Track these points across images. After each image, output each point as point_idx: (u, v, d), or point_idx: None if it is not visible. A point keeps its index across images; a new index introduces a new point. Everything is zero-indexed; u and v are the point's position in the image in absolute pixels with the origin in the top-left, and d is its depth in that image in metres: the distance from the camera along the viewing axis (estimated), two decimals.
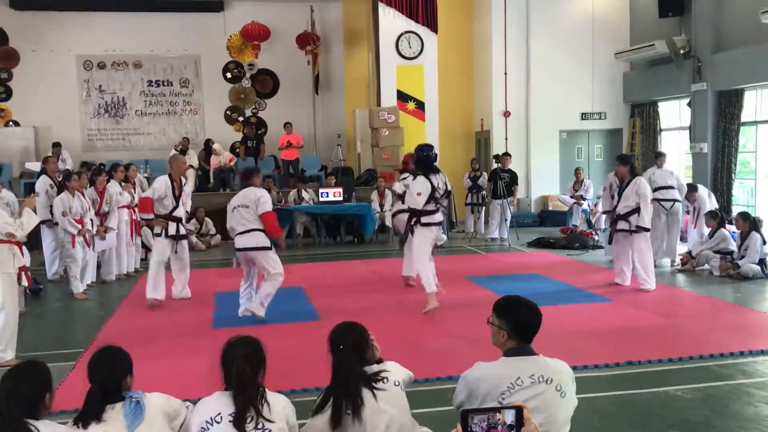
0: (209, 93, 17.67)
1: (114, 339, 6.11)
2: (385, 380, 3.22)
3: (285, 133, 15.79)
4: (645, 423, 4.58)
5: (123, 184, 10.52)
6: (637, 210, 8.52)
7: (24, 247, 6.95)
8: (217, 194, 14.88)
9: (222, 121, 17.75)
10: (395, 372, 3.33)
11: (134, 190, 11.02)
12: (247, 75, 17.85)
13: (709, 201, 10.98)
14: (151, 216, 8.27)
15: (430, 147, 7.96)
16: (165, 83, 17.55)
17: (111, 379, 2.96)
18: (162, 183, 8.21)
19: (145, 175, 14.77)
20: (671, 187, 10.40)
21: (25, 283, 6.58)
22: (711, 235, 9.95)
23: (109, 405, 2.91)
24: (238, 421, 2.91)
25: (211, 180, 15.45)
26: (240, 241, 7.34)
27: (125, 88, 17.37)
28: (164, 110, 17.58)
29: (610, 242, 9.19)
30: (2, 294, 6.13)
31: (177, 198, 8.27)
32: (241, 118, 17.83)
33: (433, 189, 7.55)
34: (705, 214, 10.35)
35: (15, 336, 6.27)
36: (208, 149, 16.08)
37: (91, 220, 9.50)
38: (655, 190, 9.74)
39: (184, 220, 8.58)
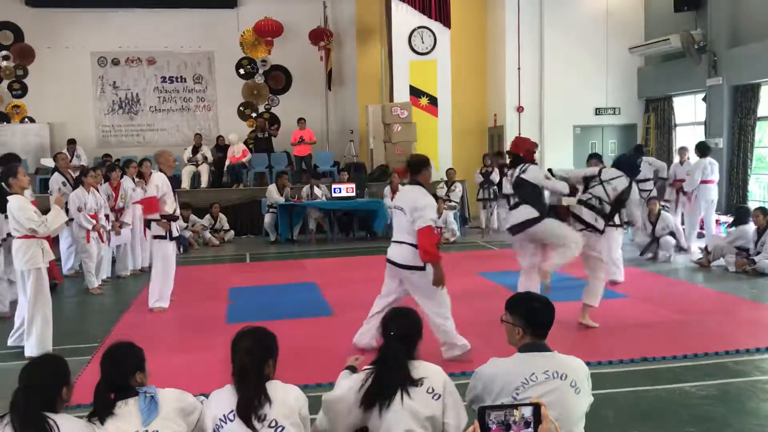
0: (222, 89, 17.72)
1: (129, 334, 6.16)
2: (420, 383, 3.10)
3: (298, 129, 15.82)
4: (660, 419, 4.55)
5: (136, 179, 10.57)
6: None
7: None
8: (230, 190, 14.95)
9: (235, 117, 17.79)
10: (434, 379, 3.15)
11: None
12: (260, 71, 17.87)
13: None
14: (158, 216, 7.71)
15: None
16: (179, 79, 17.61)
17: (119, 375, 2.96)
18: (163, 180, 7.71)
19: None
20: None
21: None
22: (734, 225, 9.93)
23: (121, 400, 2.92)
24: (241, 412, 2.87)
25: (225, 176, 15.50)
26: (389, 251, 5.82)
27: (139, 84, 17.45)
28: (178, 106, 17.65)
29: None
30: (32, 289, 6.14)
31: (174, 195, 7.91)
32: (254, 114, 17.87)
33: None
34: (738, 208, 10.19)
35: (48, 332, 6.23)
36: (219, 146, 16.16)
37: (106, 215, 9.57)
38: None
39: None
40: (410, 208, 5.48)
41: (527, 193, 6.48)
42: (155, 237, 7.81)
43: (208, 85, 17.72)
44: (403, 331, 3.22)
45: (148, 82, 17.48)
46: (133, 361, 3.03)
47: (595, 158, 9.05)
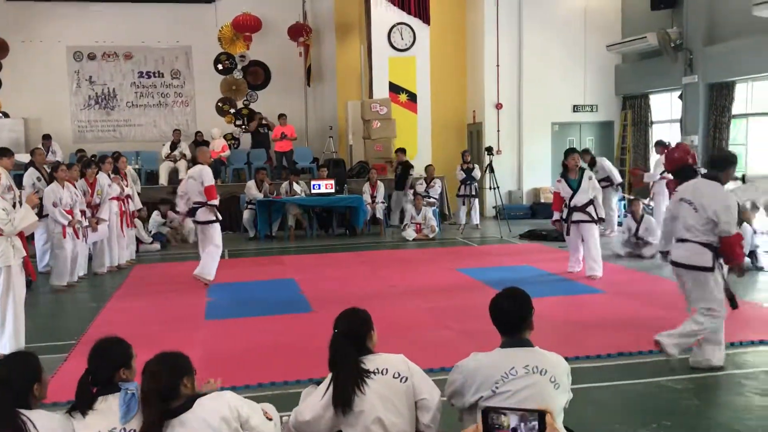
0: (200, 85, 17.56)
1: (106, 330, 6.07)
2: (384, 372, 3.15)
3: (279, 125, 15.74)
4: (639, 413, 4.59)
5: (111, 175, 10.45)
6: (591, 202, 8.92)
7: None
8: None
9: (213, 113, 17.65)
10: (397, 365, 3.21)
11: (126, 181, 10.96)
12: (239, 66, 17.75)
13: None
14: (217, 202, 8.80)
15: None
16: (156, 75, 17.43)
17: (102, 370, 2.94)
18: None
19: (136, 166, 14.69)
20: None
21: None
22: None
23: (102, 396, 2.89)
24: None
25: None
26: (675, 252, 5.44)
27: (116, 79, 17.25)
28: (155, 102, 17.47)
29: (568, 233, 9.16)
30: (3, 286, 6.00)
31: None
32: (232, 110, 17.75)
33: None
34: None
35: (21, 329, 6.13)
36: (197, 142, 16.00)
37: (82, 211, 9.45)
38: None
39: None
40: (713, 208, 5.12)
41: None
42: (207, 222, 8.76)
43: (186, 80, 17.56)
44: (347, 328, 3.24)
45: (125, 77, 17.28)
46: (119, 356, 3.00)
47: (586, 153, 9.50)
